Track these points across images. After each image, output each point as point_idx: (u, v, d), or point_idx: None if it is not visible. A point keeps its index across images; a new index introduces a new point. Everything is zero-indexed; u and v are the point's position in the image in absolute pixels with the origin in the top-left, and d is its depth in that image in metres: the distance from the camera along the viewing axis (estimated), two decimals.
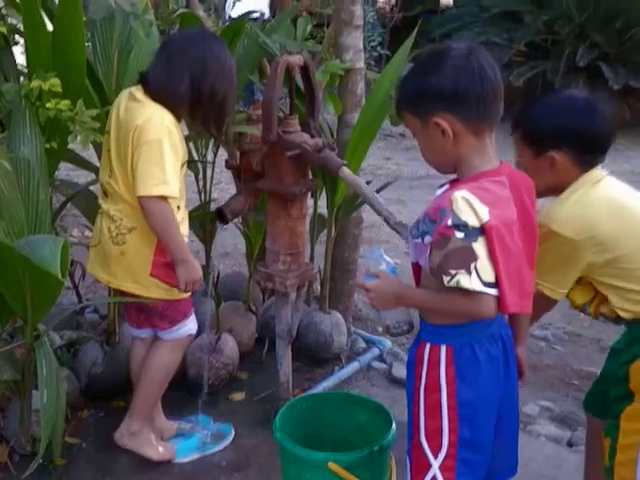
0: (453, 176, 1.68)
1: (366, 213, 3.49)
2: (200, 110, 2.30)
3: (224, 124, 2.37)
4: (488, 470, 1.74)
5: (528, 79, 7.45)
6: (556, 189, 1.87)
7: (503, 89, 1.62)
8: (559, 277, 1.84)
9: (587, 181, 1.85)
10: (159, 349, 2.42)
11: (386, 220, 2.23)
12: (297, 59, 2.47)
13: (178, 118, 2.26)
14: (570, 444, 2.64)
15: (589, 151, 1.85)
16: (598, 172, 1.88)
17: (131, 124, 2.16)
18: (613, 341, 1.99)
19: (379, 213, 2.27)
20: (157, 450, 2.46)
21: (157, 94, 2.20)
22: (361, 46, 2.98)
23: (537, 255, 1.71)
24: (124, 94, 2.29)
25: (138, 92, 2.23)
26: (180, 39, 2.32)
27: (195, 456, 2.54)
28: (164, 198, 2.14)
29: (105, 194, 2.31)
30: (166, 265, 2.27)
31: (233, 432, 2.65)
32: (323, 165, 2.43)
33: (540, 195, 1.78)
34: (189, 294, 2.37)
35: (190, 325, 2.44)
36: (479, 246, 1.50)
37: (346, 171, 2.36)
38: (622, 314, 1.86)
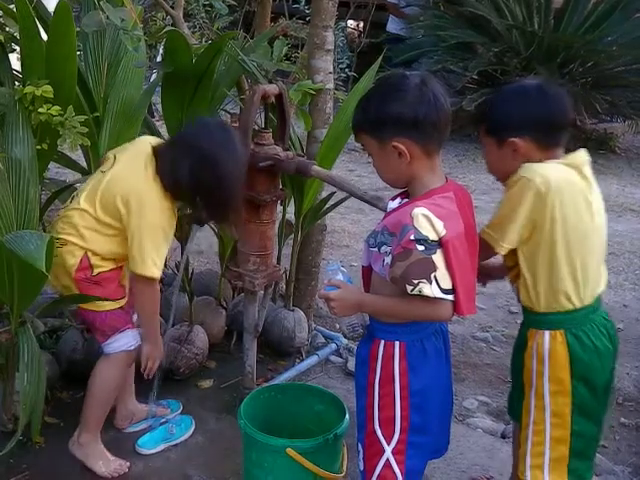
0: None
1: (329, 220, 3.48)
2: (203, 202, 2.24)
3: (229, 217, 2.30)
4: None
5: (479, 104, 7.52)
6: None
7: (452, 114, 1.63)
8: (504, 231, 1.74)
9: (568, 158, 1.77)
10: (100, 363, 2.28)
11: (362, 198, 2.23)
12: (273, 88, 2.44)
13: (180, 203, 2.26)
14: (503, 436, 2.65)
15: (546, 132, 1.77)
16: (581, 156, 1.79)
17: (134, 187, 2.13)
18: None
19: (354, 194, 2.29)
20: (104, 465, 2.29)
21: (162, 180, 2.16)
22: (331, 69, 2.97)
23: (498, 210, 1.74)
24: (144, 144, 2.23)
25: (151, 165, 2.16)
26: (191, 130, 2.23)
27: (161, 447, 2.45)
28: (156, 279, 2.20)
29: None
30: (86, 280, 2.17)
31: (194, 423, 2.56)
32: (295, 168, 2.39)
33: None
34: (114, 306, 2.22)
35: (124, 340, 2.24)
36: (438, 257, 1.53)
37: (317, 168, 2.39)
38: (523, 297, 1.79)
